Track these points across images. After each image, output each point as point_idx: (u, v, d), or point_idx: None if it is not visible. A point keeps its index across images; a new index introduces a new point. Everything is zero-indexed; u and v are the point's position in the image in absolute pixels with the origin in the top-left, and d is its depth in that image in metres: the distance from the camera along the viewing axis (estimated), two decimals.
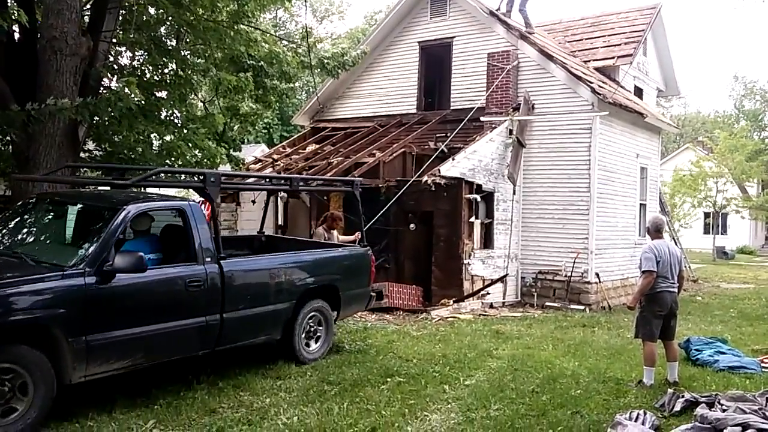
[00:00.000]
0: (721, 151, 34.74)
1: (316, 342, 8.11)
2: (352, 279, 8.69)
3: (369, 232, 12.00)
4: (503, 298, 14.04)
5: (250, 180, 10.67)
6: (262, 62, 11.53)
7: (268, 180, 10.21)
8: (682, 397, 6.54)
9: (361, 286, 8.86)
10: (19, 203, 7.36)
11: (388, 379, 7.25)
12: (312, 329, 8.05)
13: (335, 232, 10.80)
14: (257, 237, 9.79)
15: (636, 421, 5.89)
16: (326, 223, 10.85)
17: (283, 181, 9.23)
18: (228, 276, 6.77)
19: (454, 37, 16.13)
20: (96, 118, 8.85)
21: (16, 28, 9.14)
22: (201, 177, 7.04)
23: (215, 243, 6.82)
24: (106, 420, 5.69)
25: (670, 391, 6.80)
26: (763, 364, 8.45)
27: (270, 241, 9.75)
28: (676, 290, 7.39)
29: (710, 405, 6.19)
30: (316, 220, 14.52)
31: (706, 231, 39.50)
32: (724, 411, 5.94)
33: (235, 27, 10.50)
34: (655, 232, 7.55)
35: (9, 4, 9.18)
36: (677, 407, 6.36)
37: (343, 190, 11.43)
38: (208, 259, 6.64)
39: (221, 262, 6.76)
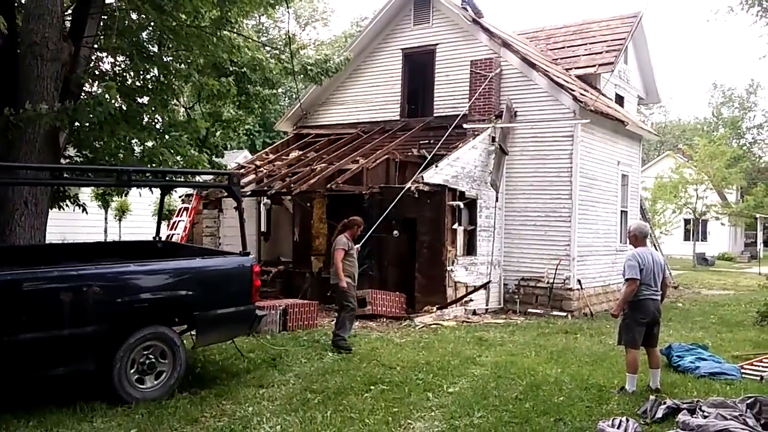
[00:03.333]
0: (700, 158, 35.14)
1: (155, 377, 6.50)
2: (219, 295, 6.96)
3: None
4: (486, 305, 14.07)
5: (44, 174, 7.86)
6: (244, 68, 11.50)
7: (58, 173, 7.76)
8: (664, 403, 6.57)
9: (236, 303, 7.06)
10: None
11: (372, 387, 7.23)
12: (148, 361, 6.45)
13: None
14: (152, 243, 8.58)
15: (618, 428, 5.93)
16: (350, 230, 9.44)
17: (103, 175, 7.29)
18: None
19: (437, 44, 16.19)
20: (76, 123, 8.76)
21: None
22: None
23: None
24: (87, 429, 5.64)
25: (652, 397, 6.83)
26: (743, 370, 8.53)
27: (167, 247, 8.58)
28: (659, 298, 7.42)
29: (692, 411, 6.24)
30: (299, 226, 14.50)
31: (687, 238, 39.95)
32: (705, 417, 6.00)
33: (218, 33, 10.45)
34: (640, 239, 7.59)
35: None
36: (659, 414, 6.39)
37: (215, 186, 9.20)
38: None
39: None
